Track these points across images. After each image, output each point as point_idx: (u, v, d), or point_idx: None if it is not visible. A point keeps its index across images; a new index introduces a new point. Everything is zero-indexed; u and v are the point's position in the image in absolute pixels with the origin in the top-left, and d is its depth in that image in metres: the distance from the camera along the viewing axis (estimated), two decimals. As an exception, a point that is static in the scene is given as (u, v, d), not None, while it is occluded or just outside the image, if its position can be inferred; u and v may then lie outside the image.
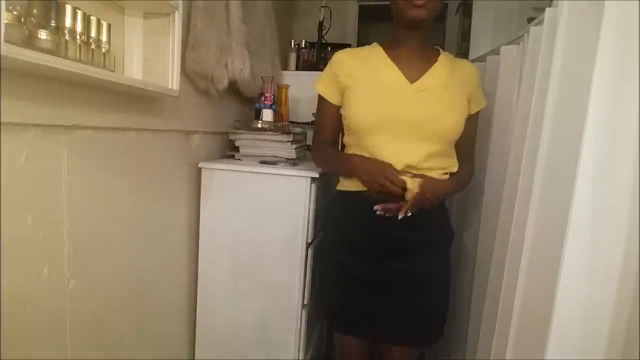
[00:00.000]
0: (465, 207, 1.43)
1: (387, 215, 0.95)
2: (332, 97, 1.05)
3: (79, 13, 0.70)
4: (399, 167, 0.95)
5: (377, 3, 0.97)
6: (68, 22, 0.68)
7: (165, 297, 1.22)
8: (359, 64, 1.02)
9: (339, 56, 1.05)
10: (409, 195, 0.91)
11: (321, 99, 1.07)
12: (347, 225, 1.04)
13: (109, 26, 0.79)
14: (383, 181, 0.92)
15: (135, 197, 1.02)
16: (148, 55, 0.94)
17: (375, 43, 1.07)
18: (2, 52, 0.51)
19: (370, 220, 0.98)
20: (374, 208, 0.96)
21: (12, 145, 0.67)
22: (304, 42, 2.01)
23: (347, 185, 1.05)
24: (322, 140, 1.10)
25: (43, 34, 0.63)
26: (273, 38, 1.72)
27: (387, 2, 1.01)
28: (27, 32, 0.61)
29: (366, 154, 0.99)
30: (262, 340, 1.31)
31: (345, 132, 1.07)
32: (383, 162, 0.96)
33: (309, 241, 1.26)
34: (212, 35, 1.20)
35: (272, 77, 1.47)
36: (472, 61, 1.59)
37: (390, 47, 1.03)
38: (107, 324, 0.96)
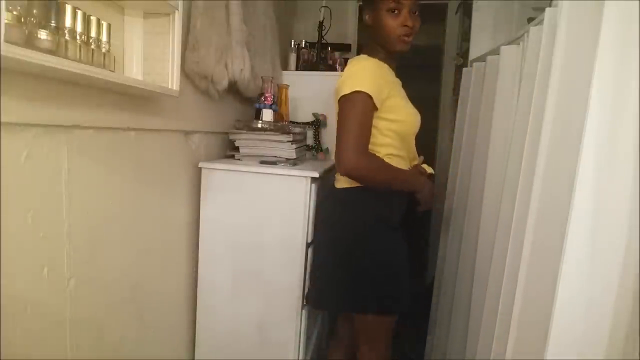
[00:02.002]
0: (466, 207, 1.43)
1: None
2: (377, 100, 1.01)
3: (79, 13, 0.71)
4: (419, 161, 1.22)
5: (377, 3, 1.00)
6: (68, 22, 0.68)
7: (165, 297, 1.22)
8: (390, 76, 1.12)
9: (381, 65, 1.07)
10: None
11: (367, 101, 1.00)
12: (395, 217, 1.15)
13: (109, 26, 0.79)
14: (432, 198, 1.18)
15: (135, 197, 1.02)
16: (148, 55, 0.94)
17: (373, 58, 1.10)
18: (2, 52, 0.51)
19: (400, 207, 1.17)
20: (418, 209, 1.17)
21: (12, 145, 0.67)
22: (304, 42, 2.01)
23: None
24: (367, 149, 1.03)
25: (43, 34, 0.63)
26: (273, 38, 1.72)
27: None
28: (27, 32, 0.61)
29: (404, 153, 1.14)
30: (262, 341, 1.31)
31: (386, 134, 1.08)
32: (425, 179, 1.17)
33: (309, 241, 1.25)
34: (212, 35, 1.20)
35: (272, 77, 1.47)
36: (472, 61, 1.59)
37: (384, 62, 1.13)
38: (107, 324, 0.96)
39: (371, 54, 1.11)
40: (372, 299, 1.11)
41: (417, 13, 1.09)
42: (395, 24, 1.06)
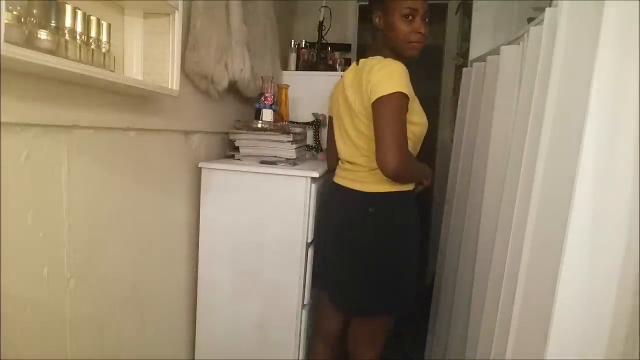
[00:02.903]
0: (466, 207, 1.43)
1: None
2: (409, 103, 1.03)
3: (79, 13, 0.71)
4: None
5: (378, 3, 1.03)
6: (68, 22, 0.68)
7: (165, 297, 1.22)
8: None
9: (405, 68, 1.06)
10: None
11: (404, 102, 1.00)
12: (416, 218, 1.18)
13: (109, 26, 0.79)
14: None
15: (135, 197, 1.02)
16: (148, 55, 0.94)
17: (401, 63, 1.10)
18: (2, 52, 0.51)
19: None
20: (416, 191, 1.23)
21: (12, 145, 0.67)
22: (304, 42, 2.01)
23: (405, 186, 1.14)
24: (407, 149, 1.04)
25: (43, 34, 0.63)
26: (273, 38, 1.72)
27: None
28: (27, 32, 0.61)
29: (414, 152, 1.16)
30: (262, 340, 1.31)
31: (409, 138, 1.08)
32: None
33: (309, 241, 1.26)
34: (212, 35, 1.20)
35: (272, 77, 1.47)
36: (472, 61, 1.59)
37: None
38: (107, 324, 0.96)
39: (382, 55, 1.10)
40: (398, 302, 1.13)
41: (427, 20, 1.09)
42: (409, 30, 1.07)
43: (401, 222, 1.13)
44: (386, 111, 1.00)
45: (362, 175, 1.12)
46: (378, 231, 1.11)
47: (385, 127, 0.99)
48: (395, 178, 1.04)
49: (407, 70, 1.06)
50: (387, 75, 1.02)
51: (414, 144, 1.14)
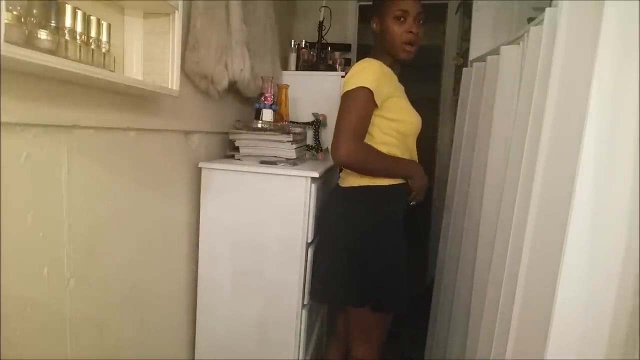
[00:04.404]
0: (466, 207, 1.43)
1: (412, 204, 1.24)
2: (378, 98, 1.06)
3: (79, 13, 0.70)
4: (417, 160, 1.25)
5: (378, 3, 1.04)
6: (68, 22, 0.68)
7: (165, 297, 1.22)
8: (393, 78, 1.17)
9: (384, 67, 1.12)
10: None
11: (367, 96, 1.04)
12: (399, 216, 1.20)
13: (109, 26, 0.79)
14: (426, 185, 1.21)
15: (135, 197, 1.02)
16: (148, 55, 0.94)
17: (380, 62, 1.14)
18: (2, 52, 0.51)
19: (402, 207, 1.21)
20: (411, 203, 1.22)
21: (12, 145, 0.67)
22: (304, 42, 2.01)
23: (386, 180, 1.16)
24: (362, 140, 1.08)
25: (43, 34, 0.63)
26: (273, 38, 1.72)
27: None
28: (27, 32, 0.61)
29: (406, 153, 1.19)
30: (262, 340, 1.31)
31: (387, 133, 1.13)
32: (418, 165, 1.21)
33: (309, 241, 1.26)
34: (212, 35, 1.20)
35: (272, 77, 1.47)
36: (472, 61, 1.59)
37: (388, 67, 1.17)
38: (107, 324, 0.96)
39: (376, 58, 1.14)
40: (372, 294, 1.15)
41: (421, 22, 1.13)
42: (400, 31, 1.11)
43: (371, 215, 1.15)
44: (344, 105, 1.06)
45: (344, 172, 1.21)
46: (344, 223, 1.16)
47: (339, 117, 1.06)
48: (347, 166, 1.10)
49: (382, 68, 1.11)
50: (354, 73, 1.08)
51: (398, 142, 1.15)
